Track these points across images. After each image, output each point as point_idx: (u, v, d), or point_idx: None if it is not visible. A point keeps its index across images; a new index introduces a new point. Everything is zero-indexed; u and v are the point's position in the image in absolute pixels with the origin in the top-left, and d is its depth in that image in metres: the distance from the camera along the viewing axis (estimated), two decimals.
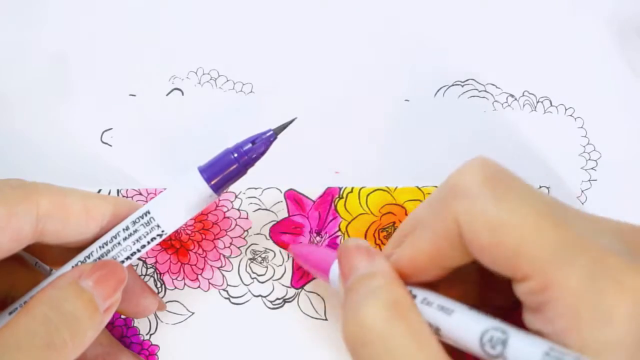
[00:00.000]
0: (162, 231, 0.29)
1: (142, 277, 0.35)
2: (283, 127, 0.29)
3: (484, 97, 0.37)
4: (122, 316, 0.35)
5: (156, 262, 0.35)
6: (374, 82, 0.37)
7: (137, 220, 0.29)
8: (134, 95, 0.36)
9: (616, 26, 0.37)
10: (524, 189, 0.24)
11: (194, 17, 0.37)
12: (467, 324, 0.24)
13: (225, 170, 0.29)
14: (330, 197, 0.35)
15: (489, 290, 0.28)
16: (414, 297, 0.25)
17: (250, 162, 0.29)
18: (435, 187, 0.35)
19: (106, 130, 0.36)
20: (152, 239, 0.29)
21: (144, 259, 0.35)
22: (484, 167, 0.25)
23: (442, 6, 0.37)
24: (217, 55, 0.37)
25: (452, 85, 0.37)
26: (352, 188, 0.35)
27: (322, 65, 0.37)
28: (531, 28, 0.37)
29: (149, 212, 0.29)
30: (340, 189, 0.35)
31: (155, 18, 0.37)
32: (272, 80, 0.37)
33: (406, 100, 0.37)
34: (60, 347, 0.26)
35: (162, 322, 0.35)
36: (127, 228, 0.29)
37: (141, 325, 0.35)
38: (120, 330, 0.35)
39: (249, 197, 0.35)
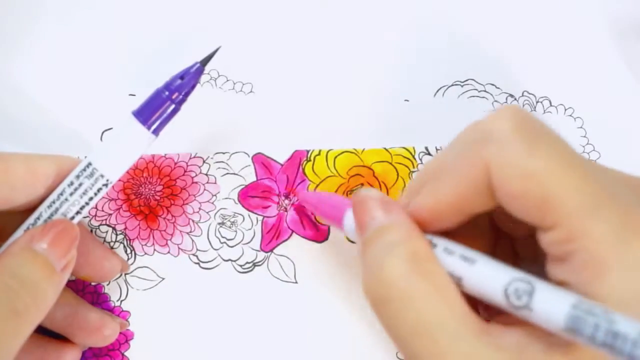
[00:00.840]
0: (107, 180, 0.30)
1: (112, 243, 0.35)
2: (209, 57, 0.31)
3: (483, 97, 0.37)
4: (92, 283, 0.35)
5: (125, 228, 0.35)
6: (373, 82, 0.37)
7: (81, 174, 0.30)
8: (134, 95, 0.36)
9: (616, 26, 0.37)
10: (555, 139, 0.24)
11: (194, 16, 0.37)
12: (491, 274, 0.24)
13: (158, 110, 0.30)
14: (298, 160, 0.36)
15: (502, 245, 0.28)
16: (434, 246, 0.25)
17: (183, 99, 0.30)
18: (404, 148, 0.36)
19: (106, 130, 0.36)
20: (99, 190, 0.30)
21: (113, 226, 0.35)
22: (516, 114, 0.25)
23: (440, 6, 0.37)
24: (216, 55, 0.37)
25: (452, 85, 0.37)
26: (320, 151, 0.36)
27: (322, 65, 0.37)
28: (531, 28, 0.37)
29: (90, 164, 0.30)
30: (308, 151, 0.36)
31: (155, 18, 0.37)
32: (272, 80, 0.37)
33: (406, 100, 0.37)
34: (24, 312, 0.27)
35: (132, 288, 0.35)
36: (72, 183, 0.30)
37: (112, 291, 0.35)
38: (91, 297, 0.35)
39: (217, 162, 0.36)
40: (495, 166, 0.24)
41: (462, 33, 0.37)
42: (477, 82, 0.37)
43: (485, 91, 0.37)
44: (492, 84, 0.37)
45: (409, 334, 0.24)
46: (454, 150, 0.26)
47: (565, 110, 0.37)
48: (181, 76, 0.30)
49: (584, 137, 0.36)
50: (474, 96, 0.37)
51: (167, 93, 0.30)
